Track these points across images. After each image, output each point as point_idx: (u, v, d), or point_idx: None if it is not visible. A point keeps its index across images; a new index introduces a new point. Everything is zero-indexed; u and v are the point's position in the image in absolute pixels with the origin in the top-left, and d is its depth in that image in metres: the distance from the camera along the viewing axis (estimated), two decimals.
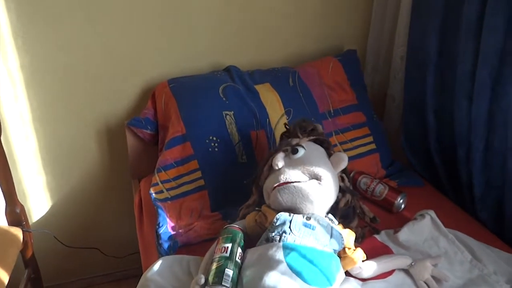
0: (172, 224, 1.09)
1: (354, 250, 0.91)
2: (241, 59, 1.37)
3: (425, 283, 0.91)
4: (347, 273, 0.92)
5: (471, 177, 1.16)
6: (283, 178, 0.92)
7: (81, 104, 1.30)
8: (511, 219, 1.09)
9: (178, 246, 1.04)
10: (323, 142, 1.04)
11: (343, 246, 0.89)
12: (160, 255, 1.01)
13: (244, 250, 0.87)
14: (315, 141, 1.03)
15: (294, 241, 0.83)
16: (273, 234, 0.85)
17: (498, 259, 0.97)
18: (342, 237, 0.89)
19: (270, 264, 0.79)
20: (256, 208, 0.99)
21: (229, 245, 0.84)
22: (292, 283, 0.77)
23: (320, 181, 0.92)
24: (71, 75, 1.26)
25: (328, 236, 0.87)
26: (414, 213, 1.11)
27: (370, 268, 0.92)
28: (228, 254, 0.82)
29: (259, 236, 0.90)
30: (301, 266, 0.79)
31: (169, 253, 1.01)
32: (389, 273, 0.94)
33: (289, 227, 0.85)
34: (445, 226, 1.05)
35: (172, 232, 1.07)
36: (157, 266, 0.91)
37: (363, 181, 1.21)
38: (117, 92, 1.32)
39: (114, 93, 1.32)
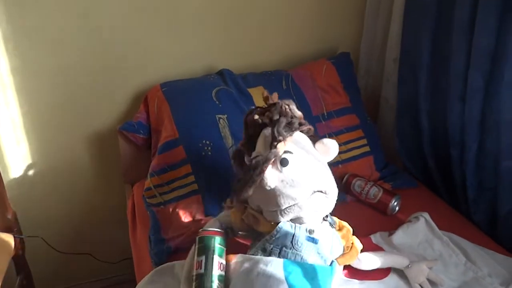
0: (165, 229, 1.08)
1: (352, 244, 0.88)
2: (234, 62, 1.37)
3: (420, 286, 0.91)
4: (346, 267, 0.92)
5: (464, 178, 1.16)
6: (283, 202, 0.80)
7: (73, 109, 1.29)
8: (505, 221, 1.10)
9: (171, 251, 1.03)
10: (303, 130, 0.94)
11: (343, 251, 0.88)
12: (152, 260, 1.00)
13: (224, 249, 0.81)
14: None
15: (295, 256, 0.78)
16: (272, 246, 0.80)
17: (492, 261, 0.97)
18: (341, 244, 0.87)
19: (270, 283, 0.74)
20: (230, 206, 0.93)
21: (203, 258, 0.77)
22: None
23: (327, 194, 0.84)
24: (62, 79, 1.25)
25: (330, 247, 0.83)
26: (409, 215, 1.11)
27: (368, 258, 0.92)
28: (203, 270, 0.76)
29: (249, 231, 0.87)
30: (302, 286, 0.76)
31: (162, 257, 1.01)
32: (385, 274, 0.94)
33: (291, 241, 0.79)
34: (440, 228, 1.06)
35: (165, 237, 1.06)
36: (149, 277, 0.89)
37: (357, 183, 1.21)
38: (109, 96, 1.31)
39: (106, 97, 1.31)
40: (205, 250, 0.78)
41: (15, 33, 1.16)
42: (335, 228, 0.89)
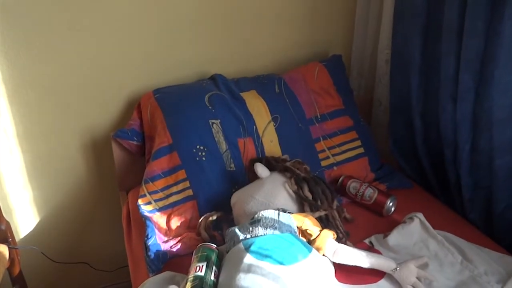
0: (161, 236, 1.08)
1: (320, 232, 0.92)
2: (226, 67, 1.37)
3: (413, 286, 0.90)
4: (337, 271, 0.92)
5: (459, 178, 1.16)
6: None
7: (65, 117, 1.29)
8: (500, 219, 1.10)
9: (167, 258, 1.02)
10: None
11: (295, 225, 0.91)
12: (148, 267, 0.99)
13: (219, 262, 0.86)
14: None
15: (246, 237, 0.86)
16: (229, 244, 0.88)
17: (488, 259, 0.97)
18: (291, 218, 0.91)
19: (236, 262, 0.80)
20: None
21: (204, 264, 0.82)
22: (264, 270, 0.78)
23: None
24: (54, 88, 1.24)
25: (276, 217, 0.89)
26: (405, 215, 1.11)
27: (346, 250, 0.92)
28: (202, 273, 0.81)
29: None
30: (265, 252, 0.81)
31: (158, 265, 1.00)
32: (379, 277, 0.93)
33: (240, 231, 0.88)
34: (436, 227, 1.06)
35: (161, 244, 1.05)
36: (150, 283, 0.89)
37: (352, 185, 1.21)
38: (102, 104, 1.31)
39: (99, 105, 1.30)
40: (207, 258, 0.84)
41: (6, 43, 1.16)
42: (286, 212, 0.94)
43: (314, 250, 0.87)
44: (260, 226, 0.88)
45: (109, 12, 1.22)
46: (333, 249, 0.91)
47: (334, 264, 0.92)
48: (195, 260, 0.84)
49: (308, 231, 0.92)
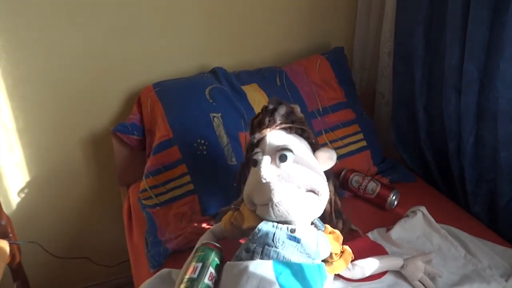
0: (162, 231, 1.07)
1: (342, 252, 0.87)
2: (227, 60, 1.36)
3: (420, 282, 0.89)
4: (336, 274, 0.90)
5: (463, 171, 1.15)
6: (277, 197, 0.79)
7: (65, 112, 1.28)
8: (504, 212, 1.09)
9: (168, 253, 1.01)
10: (304, 132, 0.93)
11: (330, 253, 0.85)
12: (150, 262, 0.99)
13: (219, 269, 0.81)
14: (296, 131, 0.93)
15: (278, 254, 0.77)
16: (255, 245, 0.80)
17: (492, 253, 0.97)
18: (328, 245, 0.84)
19: (262, 285, 0.73)
20: (232, 206, 0.94)
21: (199, 265, 0.79)
22: None
23: (319, 195, 0.83)
24: (53, 82, 1.23)
25: (315, 247, 0.81)
26: (407, 209, 1.10)
27: (360, 267, 0.90)
28: (195, 275, 0.77)
29: (239, 234, 0.87)
30: (293, 286, 0.75)
31: (159, 260, 0.99)
32: (383, 273, 0.92)
33: (272, 240, 0.79)
34: (439, 221, 1.05)
35: (162, 239, 1.05)
36: (147, 285, 0.88)
37: (355, 179, 1.20)
38: (102, 98, 1.29)
39: (99, 99, 1.29)
40: (204, 259, 0.80)
41: (5, 37, 1.15)
42: (323, 231, 0.86)
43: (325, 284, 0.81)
44: (293, 253, 0.78)
45: (109, 5, 1.20)
46: (347, 271, 0.89)
47: None
48: (193, 260, 0.81)
49: (334, 255, 0.86)
